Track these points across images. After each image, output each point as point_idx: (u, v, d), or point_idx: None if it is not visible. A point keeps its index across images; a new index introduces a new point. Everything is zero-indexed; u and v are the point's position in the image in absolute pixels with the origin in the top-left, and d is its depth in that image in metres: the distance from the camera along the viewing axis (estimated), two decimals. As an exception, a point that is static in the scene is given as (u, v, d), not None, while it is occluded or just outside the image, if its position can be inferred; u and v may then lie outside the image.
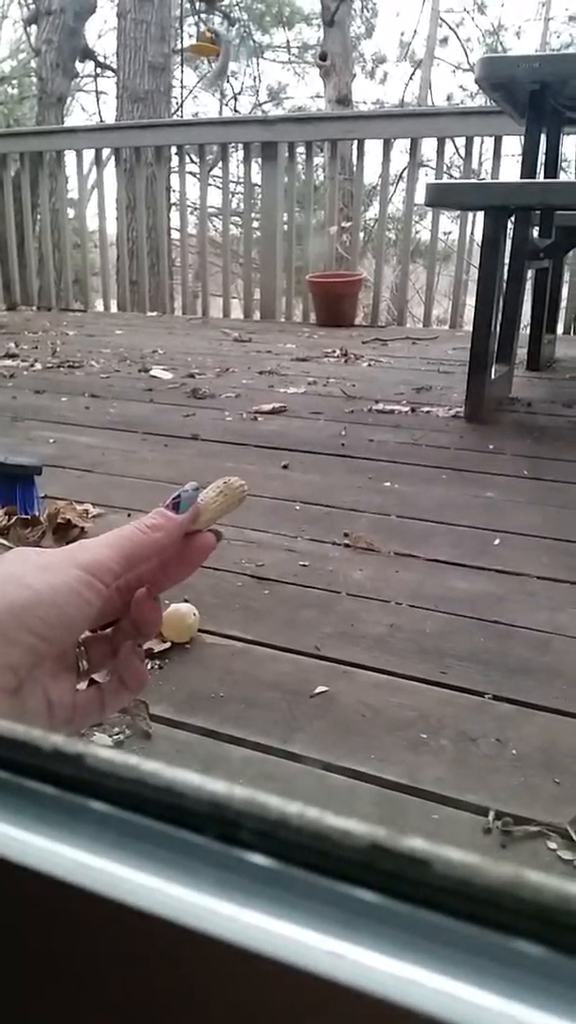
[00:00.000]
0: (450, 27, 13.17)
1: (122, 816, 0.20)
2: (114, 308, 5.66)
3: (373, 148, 4.69)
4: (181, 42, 9.22)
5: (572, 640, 1.21)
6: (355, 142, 4.74)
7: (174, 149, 5.37)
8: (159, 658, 1.14)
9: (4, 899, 0.19)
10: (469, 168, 4.69)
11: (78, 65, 10.35)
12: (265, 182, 4.92)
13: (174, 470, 1.97)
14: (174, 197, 6.02)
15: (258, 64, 13.37)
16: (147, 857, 0.19)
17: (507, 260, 2.54)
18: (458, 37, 13.21)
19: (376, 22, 13.81)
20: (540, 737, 0.98)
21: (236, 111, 13.05)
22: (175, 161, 5.53)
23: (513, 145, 4.02)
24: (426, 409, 2.60)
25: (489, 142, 4.45)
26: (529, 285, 3.07)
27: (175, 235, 6.02)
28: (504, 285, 2.57)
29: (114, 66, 9.44)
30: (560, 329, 3.92)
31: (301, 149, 5.00)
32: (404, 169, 5.01)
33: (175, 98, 10.55)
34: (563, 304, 3.96)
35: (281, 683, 1.09)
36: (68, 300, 5.60)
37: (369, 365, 3.47)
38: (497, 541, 1.56)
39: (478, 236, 2.49)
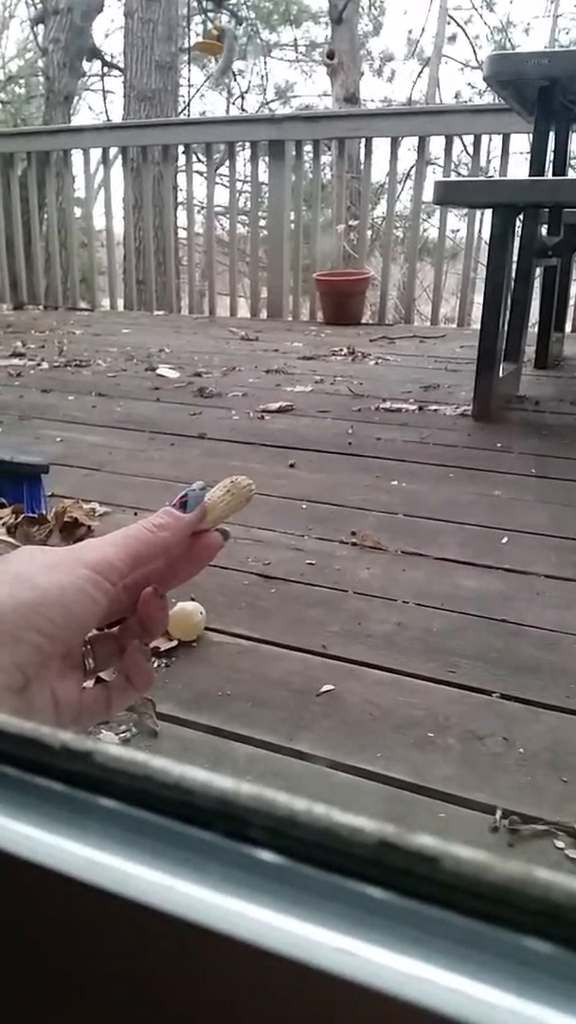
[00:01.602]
0: (458, 24, 13.15)
1: (131, 813, 0.20)
2: (121, 307, 5.66)
3: (381, 146, 4.69)
4: (188, 41, 9.21)
5: (580, 639, 1.20)
6: (363, 140, 4.74)
7: (181, 148, 5.37)
8: (166, 656, 1.14)
9: (12, 895, 0.19)
10: (477, 166, 4.69)
11: (85, 64, 10.35)
12: (272, 181, 4.92)
13: (181, 469, 1.98)
14: (181, 196, 6.02)
15: (265, 62, 13.37)
16: (156, 854, 0.19)
17: (515, 258, 2.54)
18: (466, 34, 13.18)
19: (384, 20, 13.78)
20: (548, 736, 0.98)
21: (243, 110, 13.04)
22: (182, 160, 5.53)
23: (522, 143, 4.01)
24: (433, 407, 2.59)
25: (497, 140, 4.44)
26: (537, 283, 3.05)
27: (182, 234, 6.02)
28: (512, 283, 2.56)
29: (121, 65, 9.45)
30: (568, 327, 3.92)
31: (308, 147, 4.99)
32: (412, 167, 5.02)
33: (182, 97, 10.56)
34: (571, 302, 3.94)
35: (288, 682, 1.09)
36: (75, 299, 5.61)
37: (376, 363, 3.46)
38: (505, 539, 1.56)
39: (486, 234, 2.49)
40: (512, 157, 4.35)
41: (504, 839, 0.82)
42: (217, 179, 5.56)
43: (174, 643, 1.17)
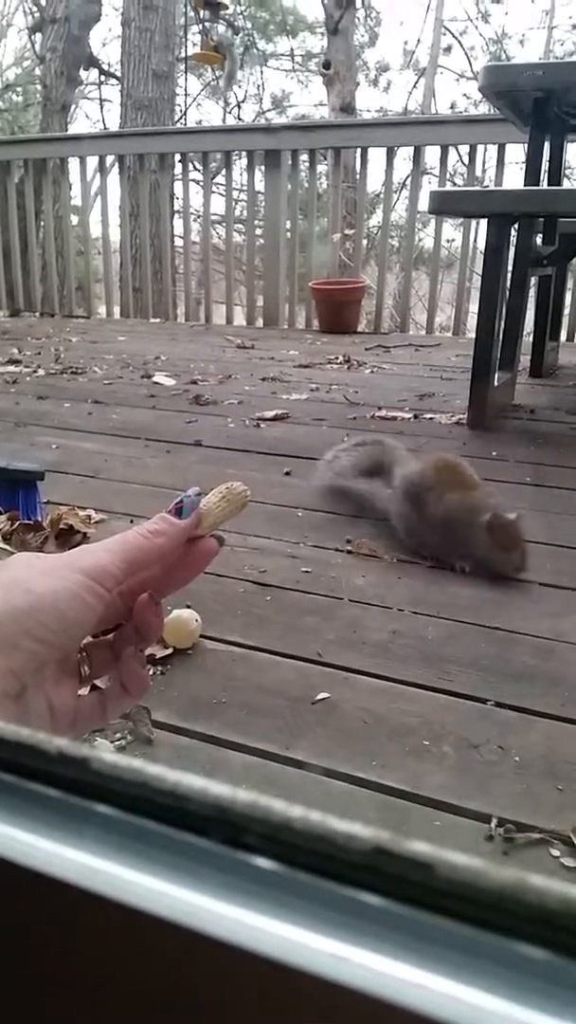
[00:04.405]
0: (454, 35, 13.22)
1: (127, 819, 0.20)
2: (117, 315, 5.67)
3: (376, 156, 4.71)
4: (185, 51, 9.25)
5: (575, 647, 1.20)
6: (358, 150, 4.76)
7: (178, 156, 5.39)
8: (161, 664, 1.14)
9: (9, 902, 0.19)
10: (473, 176, 4.70)
11: (82, 73, 10.39)
12: (268, 190, 4.94)
13: (176, 476, 1.98)
14: (177, 204, 6.04)
15: (262, 72, 13.43)
16: (152, 860, 0.19)
17: (510, 267, 2.55)
18: (462, 45, 13.25)
19: (380, 30, 13.83)
20: (542, 744, 0.98)
21: (239, 119, 13.08)
22: (179, 168, 5.55)
23: (517, 153, 4.03)
24: (429, 416, 2.60)
25: (493, 150, 4.46)
26: (532, 292, 3.07)
27: (178, 242, 6.03)
28: (507, 292, 2.57)
29: (118, 74, 9.48)
30: (563, 336, 3.93)
31: (304, 157, 5.01)
32: (407, 177, 5.03)
33: (179, 106, 10.59)
34: (566, 311, 3.96)
35: (283, 689, 1.09)
36: (71, 306, 5.61)
37: (372, 372, 3.47)
38: (499, 548, 1.56)
39: (481, 243, 2.49)
40: (508, 167, 4.37)
41: (499, 847, 0.82)
42: (213, 188, 5.58)
43: (169, 650, 1.16)
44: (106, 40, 12.11)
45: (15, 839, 0.19)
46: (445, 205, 2.67)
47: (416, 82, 13.40)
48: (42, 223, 5.84)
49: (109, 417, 2.58)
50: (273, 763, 0.94)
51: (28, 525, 1.54)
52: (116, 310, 5.70)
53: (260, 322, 5.08)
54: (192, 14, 8.39)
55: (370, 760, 0.94)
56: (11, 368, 3.42)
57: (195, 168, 5.41)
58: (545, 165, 2.85)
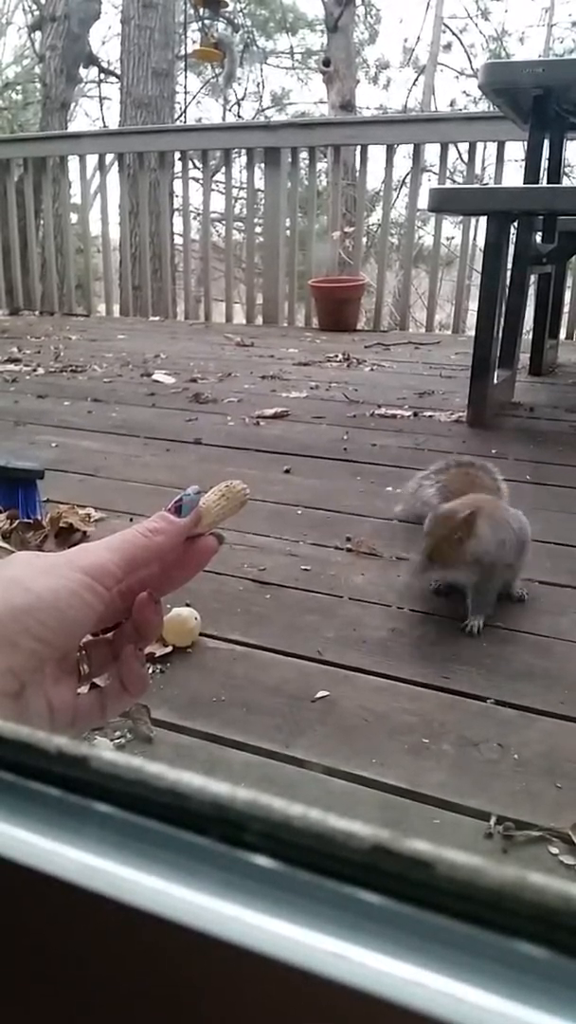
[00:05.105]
0: (453, 33, 13.20)
1: (126, 818, 0.20)
2: (117, 313, 5.67)
3: (376, 153, 4.70)
4: (185, 48, 9.23)
5: (574, 645, 1.20)
6: (358, 147, 4.76)
7: (177, 154, 5.39)
8: (160, 662, 1.14)
9: (9, 900, 0.19)
10: (472, 173, 4.70)
11: (82, 71, 10.38)
12: (268, 187, 4.93)
13: (176, 474, 1.98)
14: (177, 202, 6.04)
15: (261, 70, 13.41)
16: (151, 859, 0.19)
17: (510, 265, 2.55)
18: (461, 43, 13.23)
19: (380, 28, 13.82)
20: (542, 742, 0.98)
21: (239, 116, 13.07)
22: (178, 166, 5.55)
23: (516, 150, 4.03)
24: (428, 414, 2.60)
25: (492, 147, 4.46)
26: (532, 290, 3.07)
27: (178, 240, 6.03)
28: (507, 290, 2.57)
29: (118, 72, 9.47)
30: (563, 334, 3.93)
31: (304, 154, 5.01)
32: (407, 174, 5.02)
33: (179, 103, 10.57)
34: (566, 309, 3.96)
35: (283, 688, 1.09)
36: (71, 305, 5.61)
37: (371, 370, 3.47)
38: (499, 546, 1.56)
39: (481, 241, 2.49)
40: (507, 165, 4.37)
41: (499, 845, 0.82)
42: (213, 186, 5.57)
43: (169, 649, 1.16)
44: (106, 38, 12.11)
45: (14, 838, 0.19)
46: (445, 203, 2.67)
47: (416, 79, 13.38)
48: (42, 221, 5.83)
49: (109, 415, 2.58)
50: (273, 761, 0.94)
51: (28, 523, 1.54)
52: (116, 308, 5.69)
53: (260, 320, 5.08)
54: (192, 12, 8.36)
55: (370, 758, 0.94)
56: (11, 366, 3.42)
57: (195, 166, 5.41)
58: (544, 163, 2.85)
